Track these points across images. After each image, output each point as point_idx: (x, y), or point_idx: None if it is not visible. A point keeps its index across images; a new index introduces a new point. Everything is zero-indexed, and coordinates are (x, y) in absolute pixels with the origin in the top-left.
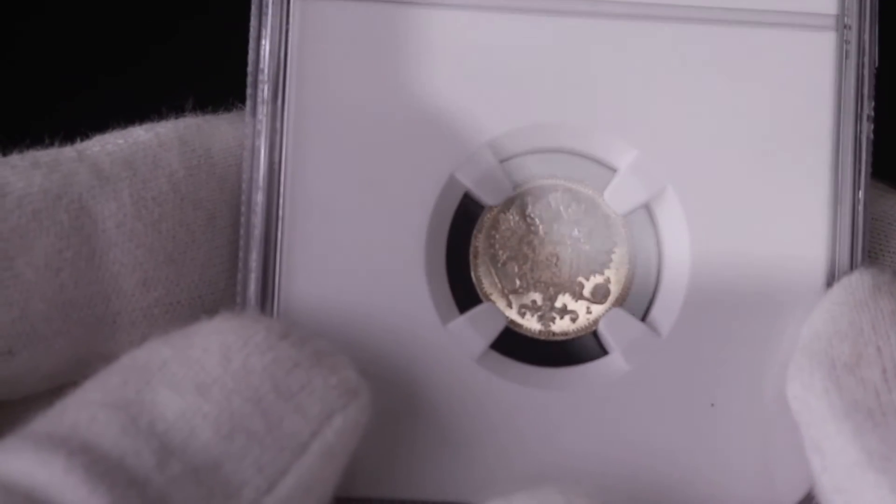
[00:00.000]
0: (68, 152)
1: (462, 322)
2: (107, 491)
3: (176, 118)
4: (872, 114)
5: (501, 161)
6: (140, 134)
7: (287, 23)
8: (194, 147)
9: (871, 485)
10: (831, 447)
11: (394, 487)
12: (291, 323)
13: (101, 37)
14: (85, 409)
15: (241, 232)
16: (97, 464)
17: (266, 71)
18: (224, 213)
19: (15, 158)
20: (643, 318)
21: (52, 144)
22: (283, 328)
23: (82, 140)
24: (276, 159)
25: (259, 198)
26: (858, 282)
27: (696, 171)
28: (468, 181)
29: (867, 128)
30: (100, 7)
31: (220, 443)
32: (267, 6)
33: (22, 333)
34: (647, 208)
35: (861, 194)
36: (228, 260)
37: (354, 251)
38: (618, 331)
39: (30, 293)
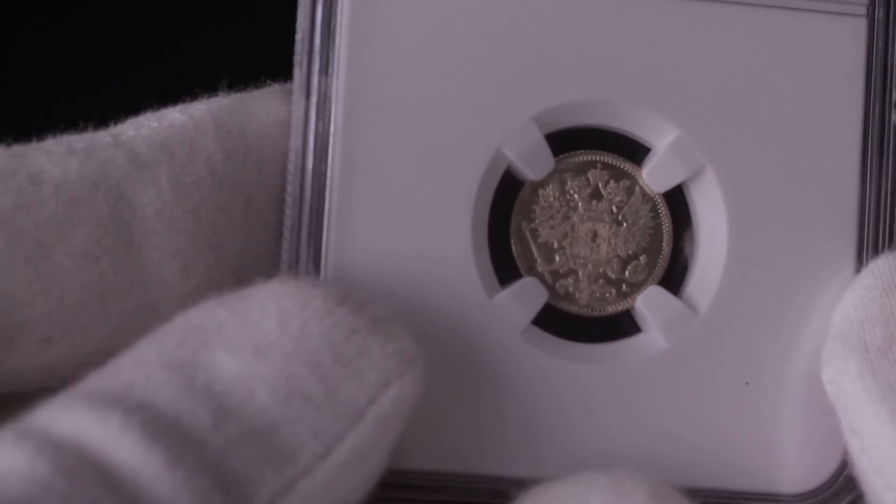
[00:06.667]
0: (103, 137)
1: (506, 296)
2: (164, 451)
3: (208, 98)
4: None
5: (544, 135)
6: (175, 116)
7: None
8: (230, 129)
9: None
10: (868, 430)
11: (440, 460)
12: (348, 290)
13: (132, 20)
14: (141, 369)
15: (289, 200)
16: (154, 422)
17: (318, 40)
18: (260, 195)
19: (49, 144)
20: (678, 296)
21: (84, 128)
22: (340, 294)
23: (115, 123)
24: (327, 128)
25: (310, 165)
26: (886, 266)
27: (735, 152)
28: (513, 155)
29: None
30: None
31: (278, 405)
32: None
33: (60, 322)
34: (684, 186)
35: (889, 182)
36: (266, 244)
37: (402, 222)
38: (656, 308)
39: (68, 282)
